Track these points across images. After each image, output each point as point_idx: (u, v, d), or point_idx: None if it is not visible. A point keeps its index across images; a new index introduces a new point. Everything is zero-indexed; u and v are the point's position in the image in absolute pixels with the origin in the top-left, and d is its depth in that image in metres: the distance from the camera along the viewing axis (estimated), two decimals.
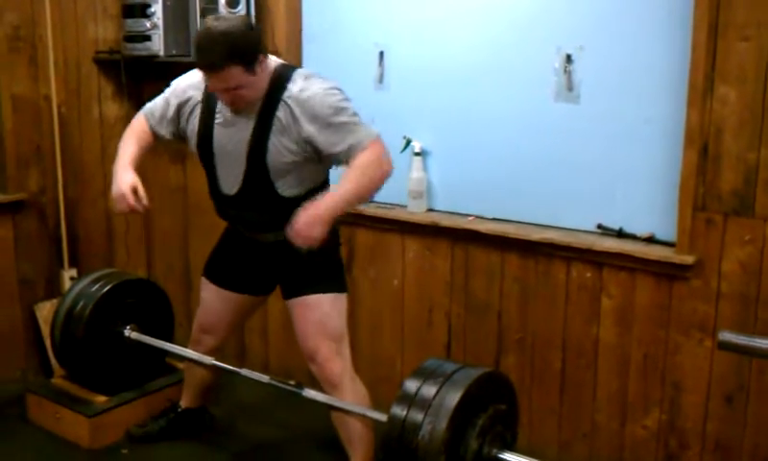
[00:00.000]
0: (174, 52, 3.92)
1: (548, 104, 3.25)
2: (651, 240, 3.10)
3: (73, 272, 4.18)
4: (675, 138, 2.95)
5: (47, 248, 4.12)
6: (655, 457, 3.14)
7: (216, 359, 3.28)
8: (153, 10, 3.88)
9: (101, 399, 3.55)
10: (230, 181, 2.86)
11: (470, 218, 3.49)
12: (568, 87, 3.20)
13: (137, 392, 3.62)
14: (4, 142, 3.90)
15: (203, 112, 2.88)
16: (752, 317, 2.85)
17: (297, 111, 2.69)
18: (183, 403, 3.51)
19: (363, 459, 3.00)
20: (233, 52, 2.59)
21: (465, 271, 3.49)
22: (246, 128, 2.76)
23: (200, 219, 4.09)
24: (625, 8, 3.06)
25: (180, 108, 2.95)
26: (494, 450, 2.44)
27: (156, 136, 3.05)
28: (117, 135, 3.06)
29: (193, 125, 2.91)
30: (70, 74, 4.11)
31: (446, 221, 3.49)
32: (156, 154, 4.10)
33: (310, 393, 2.99)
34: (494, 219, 3.46)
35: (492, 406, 2.47)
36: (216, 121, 2.84)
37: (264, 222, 2.89)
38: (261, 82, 2.70)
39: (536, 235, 3.27)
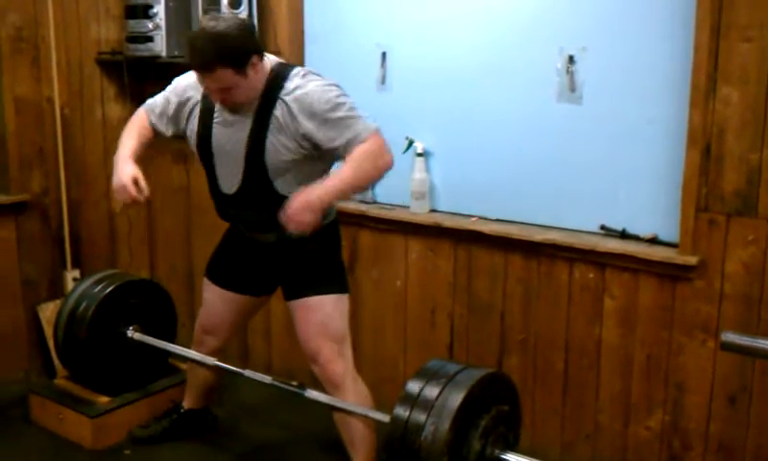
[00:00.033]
0: (176, 53, 3.93)
1: (551, 104, 3.25)
2: (654, 241, 3.10)
3: (76, 273, 4.18)
4: (678, 139, 2.95)
5: (50, 249, 4.13)
6: (658, 458, 3.13)
7: (219, 360, 3.29)
8: (155, 10, 3.89)
9: (104, 399, 3.55)
10: (230, 180, 2.86)
11: (473, 219, 3.49)
12: (571, 88, 3.20)
13: (140, 393, 3.63)
14: (7, 144, 3.91)
15: (201, 112, 2.89)
16: (755, 318, 2.85)
17: (294, 109, 2.69)
18: (186, 404, 3.52)
19: (365, 460, 3.00)
20: (224, 53, 2.59)
21: (468, 272, 3.49)
22: (244, 127, 2.76)
23: (202, 219, 4.09)
24: (627, 8, 3.06)
25: (179, 106, 2.96)
26: (497, 451, 2.44)
27: (156, 133, 3.06)
28: (120, 137, 3.07)
29: (192, 125, 2.92)
30: (73, 75, 4.11)
31: (449, 222, 3.49)
32: (159, 154, 4.11)
33: (313, 394, 3.00)
34: (497, 220, 3.45)
35: (494, 407, 2.47)
36: (215, 121, 2.84)
37: (264, 221, 2.89)
38: (255, 82, 2.70)
39: (539, 236, 3.27)
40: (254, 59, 2.67)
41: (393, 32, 3.64)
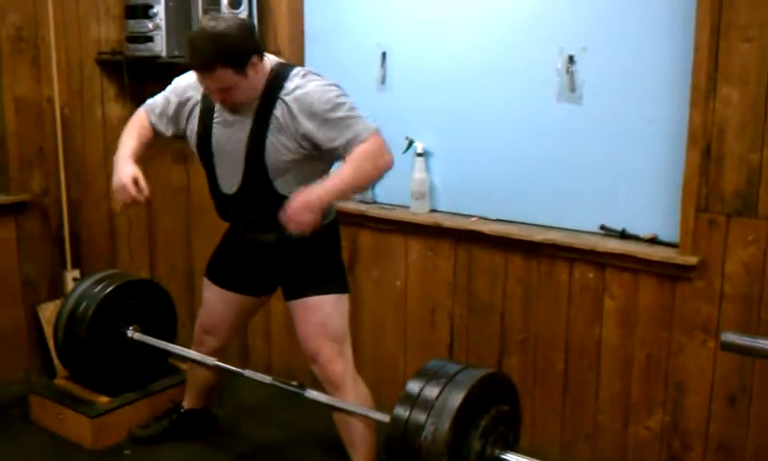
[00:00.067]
0: (176, 53, 3.93)
1: (551, 104, 3.25)
2: (654, 241, 3.10)
3: (76, 273, 4.18)
4: (678, 139, 2.95)
5: (50, 249, 4.13)
6: (658, 458, 3.13)
7: (219, 360, 3.29)
8: (155, 10, 3.89)
9: (104, 399, 3.55)
10: (230, 180, 2.86)
11: (473, 219, 3.49)
12: (571, 88, 3.20)
13: (140, 393, 3.63)
14: (7, 144, 3.91)
15: (201, 112, 2.89)
16: (755, 318, 2.85)
17: (294, 109, 2.69)
18: (186, 404, 3.52)
19: (364, 460, 3.00)
20: (223, 54, 2.60)
21: (468, 272, 3.49)
22: (244, 127, 2.76)
23: (203, 219, 4.09)
24: (627, 8, 3.06)
25: (179, 106, 2.96)
26: (497, 451, 2.44)
27: (156, 133, 3.06)
28: (120, 137, 3.07)
29: (192, 125, 2.92)
30: (73, 75, 4.11)
31: (449, 222, 3.49)
32: (159, 154, 4.11)
33: (312, 394, 3.00)
34: (497, 220, 3.45)
35: (494, 407, 2.47)
36: (215, 121, 2.84)
37: (264, 221, 2.89)
38: (255, 82, 2.71)
39: (539, 236, 3.27)
40: (254, 59, 2.67)
41: (393, 32, 3.64)
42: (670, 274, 2.99)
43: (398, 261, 3.67)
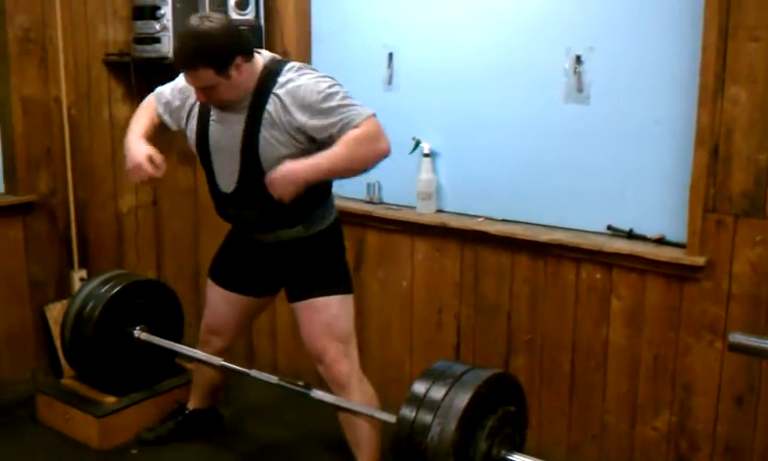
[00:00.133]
0: None
1: (558, 105, 3.25)
2: (661, 241, 3.09)
3: (83, 273, 4.19)
4: (685, 139, 2.94)
5: (57, 249, 4.13)
6: (665, 459, 3.12)
7: (225, 360, 3.29)
8: (162, 12, 3.89)
9: (110, 399, 3.56)
10: (227, 178, 2.86)
11: (480, 219, 3.49)
12: (578, 88, 3.20)
13: (147, 393, 3.63)
14: (14, 144, 3.91)
15: (200, 111, 2.89)
16: (762, 318, 2.84)
17: (287, 102, 2.68)
18: (192, 405, 3.52)
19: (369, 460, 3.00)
20: (204, 54, 2.60)
21: (474, 272, 3.48)
22: (238, 124, 2.76)
23: (210, 220, 4.07)
24: (635, 8, 3.05)
25: (181, 105, 2.97)
26: (503, 452, 2.44)
27: (162, 123, 3.06)
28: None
29: (192, 124, 2.93)
30: (80, 76, 4.12)
31: (455, 222, 3.49)
32: (166, 155, 4.09)
33: (318, 394, 3.00)
34: (504, 220, 3.45)
35: (501, 408, 2.47)
36: (211, 119, 2.85)
37: (263, 220, 2.89)
38: (240, 83, 2.70)
39: (545, 237, 3.26)
40: (238, 60, 2.66)
41: (400, 33, 3.64)
42: (677, 274, 2.98)
43: (405, 262, 3.67)
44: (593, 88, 3.17)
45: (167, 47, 3.90)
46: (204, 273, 3.33)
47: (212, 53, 2.61)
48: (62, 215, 4.12)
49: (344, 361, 2.95)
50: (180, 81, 2.98)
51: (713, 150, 2.84)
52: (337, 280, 2.98)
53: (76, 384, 3.68)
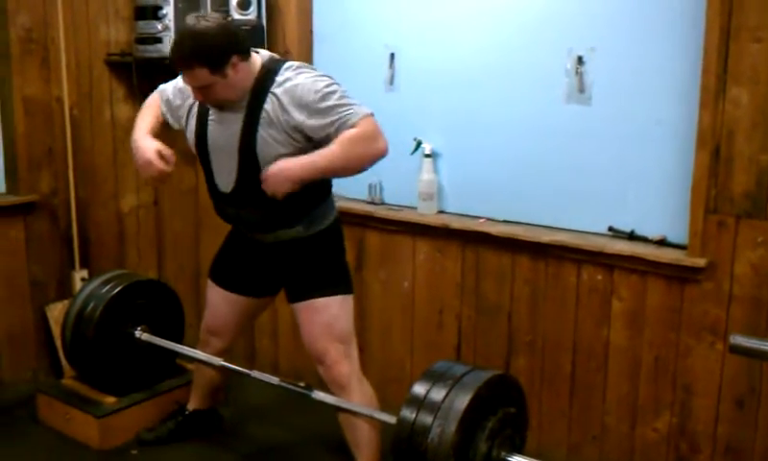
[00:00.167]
0: None
1: (559, 105, 3.25)
2: (662, 243, 3.09)
3: (84, 273, 4.19)
4: (687, 140, 2.94)
5: (58, 249, 4.13)
6: (665, 460, 3.13)
7: (226, 361, 3.29)
8: (164, 12, 3.89)
9: (111, 399, 3.56)
10: (226, 178, 2.86)
11: (481, 220, 3.49)
12: (580, 89, 3.19)
13: (147, 393, 3.63)
14: (16, 144, 3.92)
15: (199, 111, 2.89)
16: (763, 320, 2.83)
17: (285, 101, 2.68)
18: (192, 405, 3.52)
19: None
20: (199, 54, 2.60)
21: (475, 273, 3.48)
22: (236, 123, 2.76)
23: (211, 220, 4.05)
24: (637, 9, 3.05)
25: (180, 105, 2.97)
26: (503, 453, 2.43)
27: (165, 121, 3.06)
28: (129, 137, 3.08)
29: (191, 124, 2.93)
30: (82, 76, 4.12)
31: (457, 223, 3.48)
32: None
33: (319, 395, 3.00)
34: (505, 221, 3.45)
35: (501, 409, 2.46)
36: (210, 118, 2.85)
37: (262, 220, 2.89)
38: (236, 82, 2.69)
39: (546, 237, 3.26)
40: (234, 59, 2.66)
41: (401, 33, 3.64)
42: (679, 276, 2.98)
43: (406, 262, 3.67)
44: (595, 89, 3.17)
45: (169, 47, 3.90)
46: (205, 273, 3.33)
47: (208, 52, 2.61)
48: (64, 215, 4.12)
49: (344, 362, 2.95)
50: (181, 80, 2.98)
51: (715, 151, 2.84)
52: (337, 281, 2.97)
53: (76, 384, 3.68)
